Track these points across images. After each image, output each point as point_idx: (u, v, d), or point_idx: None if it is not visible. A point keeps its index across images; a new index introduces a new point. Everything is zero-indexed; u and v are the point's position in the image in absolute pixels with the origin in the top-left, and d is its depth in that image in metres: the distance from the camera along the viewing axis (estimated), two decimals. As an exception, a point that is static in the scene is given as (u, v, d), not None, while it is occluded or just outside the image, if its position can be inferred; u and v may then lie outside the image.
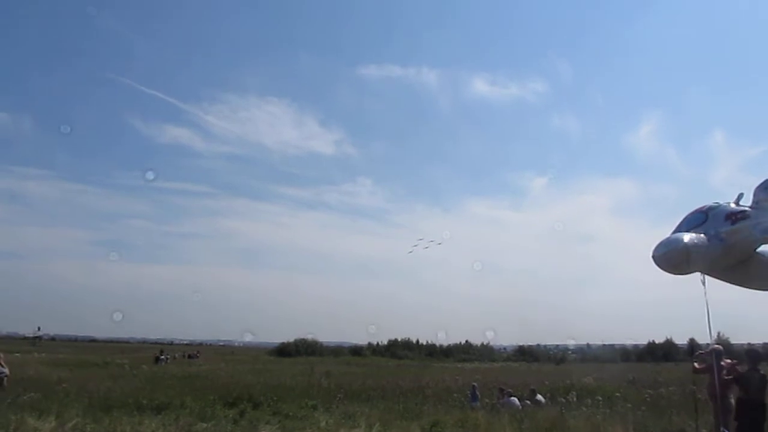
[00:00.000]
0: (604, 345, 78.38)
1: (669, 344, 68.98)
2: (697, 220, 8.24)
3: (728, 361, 10.27)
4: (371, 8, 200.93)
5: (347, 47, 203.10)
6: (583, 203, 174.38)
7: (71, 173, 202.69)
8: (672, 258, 7.74)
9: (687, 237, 7.82)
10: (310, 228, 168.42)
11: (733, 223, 7.91)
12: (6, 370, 18.03)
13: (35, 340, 76.96)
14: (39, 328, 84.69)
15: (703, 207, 8.40)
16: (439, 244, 74.96)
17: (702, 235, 7.88)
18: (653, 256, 7.86)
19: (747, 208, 8.04)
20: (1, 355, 18.42)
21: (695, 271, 8.12)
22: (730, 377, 9.85)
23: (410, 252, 77.44)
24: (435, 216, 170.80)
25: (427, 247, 63.96)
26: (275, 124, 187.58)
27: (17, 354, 40.05)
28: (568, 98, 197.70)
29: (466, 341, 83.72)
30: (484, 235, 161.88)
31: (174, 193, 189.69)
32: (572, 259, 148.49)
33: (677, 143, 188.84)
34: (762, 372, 9.66)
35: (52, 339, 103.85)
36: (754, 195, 8.10)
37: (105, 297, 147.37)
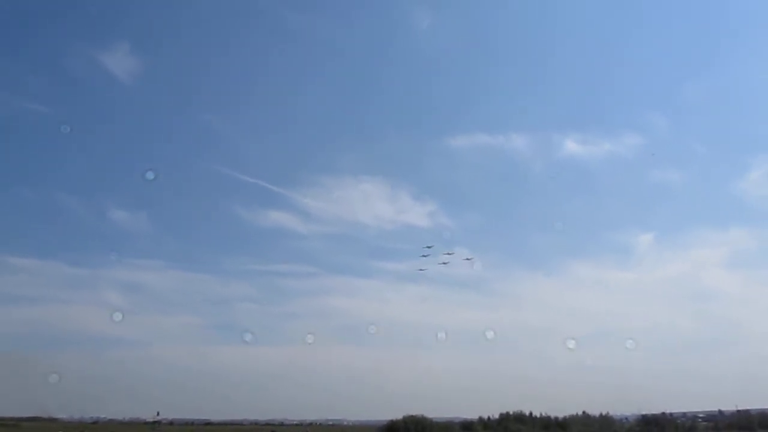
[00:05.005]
0: (738, 411, 70.81)
1: (818, 407, 61.08)
2: None
3: None
4: (454, 80, 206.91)
5: (433, 120, 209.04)
6: (695, 257, 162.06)
7: (183, 262, 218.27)
8: None
9: None
10: (411, 301, 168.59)
11: None
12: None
13: (155, 425, 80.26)
14: (158, 413, 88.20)
15: None
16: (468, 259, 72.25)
17: None
18: None
19: None
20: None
21: None
22: None
23: (422, 270, 74.03)
24: (536, 281, 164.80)
25: (446, 263, 61.32)
26: (370, 201, 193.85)
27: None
28: (666, 149, 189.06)
29: (584, 412, 78.33)
30: (590, 297, 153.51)
31: (277, 274, 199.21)
32: (690, 318, 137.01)
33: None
34: None
35: (171, 423, 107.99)
36: None
37: (218, 380, 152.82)
